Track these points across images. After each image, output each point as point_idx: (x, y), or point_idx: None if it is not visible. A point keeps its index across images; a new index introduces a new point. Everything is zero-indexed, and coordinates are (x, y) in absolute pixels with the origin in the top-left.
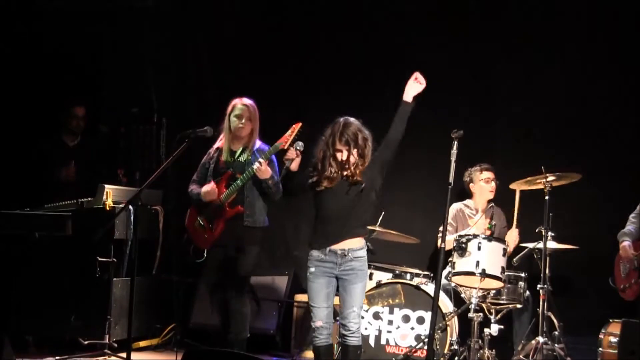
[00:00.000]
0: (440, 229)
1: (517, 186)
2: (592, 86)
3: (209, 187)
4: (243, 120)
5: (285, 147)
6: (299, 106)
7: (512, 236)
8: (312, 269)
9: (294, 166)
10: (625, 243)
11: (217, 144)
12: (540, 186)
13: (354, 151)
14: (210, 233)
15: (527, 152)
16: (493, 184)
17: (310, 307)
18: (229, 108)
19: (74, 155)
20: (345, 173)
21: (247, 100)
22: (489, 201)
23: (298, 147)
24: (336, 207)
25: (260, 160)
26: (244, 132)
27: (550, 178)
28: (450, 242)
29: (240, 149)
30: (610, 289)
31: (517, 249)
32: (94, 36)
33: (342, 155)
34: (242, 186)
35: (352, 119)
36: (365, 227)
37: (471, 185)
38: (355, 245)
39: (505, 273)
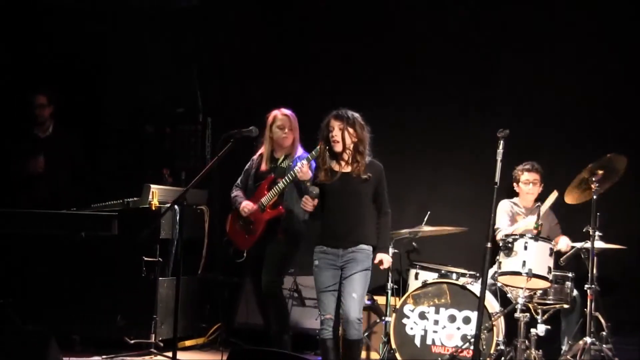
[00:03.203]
0: (496, 226)
1: (570, 192)
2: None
3: (250, 207)
4: (286, 131)
5: None
6: (342, 106)
7: (563, 244)
8: (317, 262)
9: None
10: None
11: (260, 151)
12: (589, 193)
13: (350, 130)
14: (251, 234)
15: (573, 153)
16: (532, 186)
17: (317, 302)
18: (270, 119)
19: (44, 147)
20: (345, 161)
21: (286, 111)
22: (535, 200)
23: (313, 193)
24: (340, 204)
25: (303, 162)
26: (287, 142)
27: (599, 172)
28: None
29: (283, 156)
30: None
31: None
32: (141, 37)
33: (335, 133)
34: (283, 189)
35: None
36: (374, 236)
37: (514, 184)
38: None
39: (552, 273)
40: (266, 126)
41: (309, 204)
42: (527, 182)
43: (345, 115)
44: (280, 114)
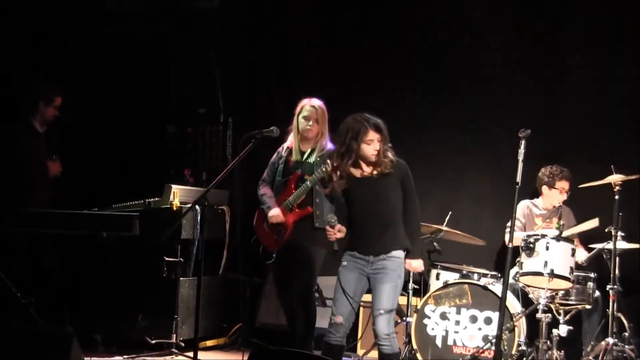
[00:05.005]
0: (508, 224)
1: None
2: None
3: (276, 212)
4: (310, 122)
5: None
6: (365, 106)
7: (582, 256)
8: (345, 263)
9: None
10: None
11: (287, 144)
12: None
13: (382, 139)
14: (279, 235)
15: (595, 150)
16: (565, 196)
17: (333, 301)
18: (298, 108)
19: (43, 143)
20: (376, 167)
21: (316, 102)
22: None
23: (332, 221)
24: (367, 209)
25: (328, 161)
26: (311, 134)
27: (618, 177)
28: (518, 239)
29: (309, 150)
30: None
31: (587, 250)
32: (162, 37)
33: (377, 147)
34: (311, 188)
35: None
36: (405, 239)
37: (544, 187)
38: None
39: (574, 273)
40: (294, 116)
41: (332, 233)
42: (563, 190)
43: (382, 126)
44: (309, 105)
